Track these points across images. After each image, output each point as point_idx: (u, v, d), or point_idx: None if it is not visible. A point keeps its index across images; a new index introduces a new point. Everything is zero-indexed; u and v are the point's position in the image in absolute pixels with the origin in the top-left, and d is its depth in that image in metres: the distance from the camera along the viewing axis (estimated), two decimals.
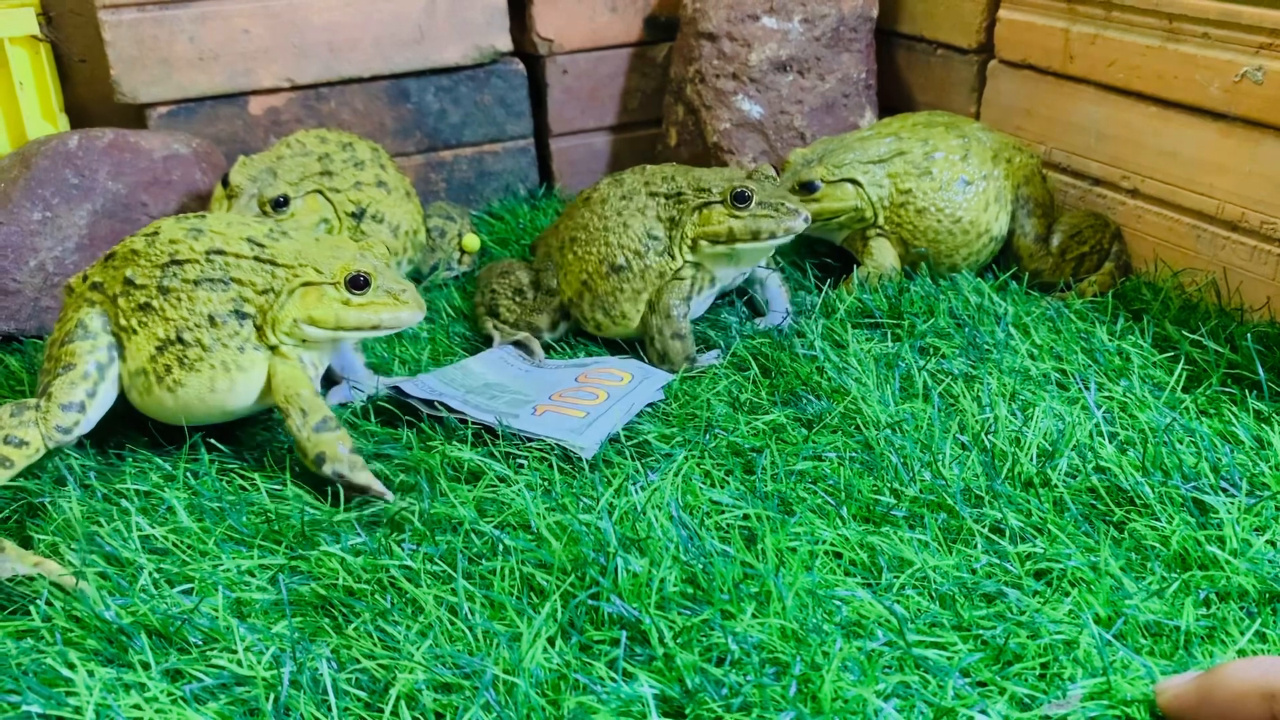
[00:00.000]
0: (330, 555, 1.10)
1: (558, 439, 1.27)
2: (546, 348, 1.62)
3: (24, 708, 0.90)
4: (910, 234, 1.67)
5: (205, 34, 1.88)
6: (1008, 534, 1.10)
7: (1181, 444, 1.21)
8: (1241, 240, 1.51)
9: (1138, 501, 1.13)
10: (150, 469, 1.30)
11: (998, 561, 1.07)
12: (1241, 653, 0.94)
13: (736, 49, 1.99)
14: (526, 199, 2.18)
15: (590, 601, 1.00)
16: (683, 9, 2.07)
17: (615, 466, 1.26)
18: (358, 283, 1.28)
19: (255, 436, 1.38)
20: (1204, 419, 1.27)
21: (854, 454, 1.24)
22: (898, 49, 2.16)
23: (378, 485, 1.23)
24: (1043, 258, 1.67)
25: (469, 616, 1.01)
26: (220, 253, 1.29)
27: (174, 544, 1.14)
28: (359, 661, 0.97)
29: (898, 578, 1.05)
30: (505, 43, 2.08)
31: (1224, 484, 1.15)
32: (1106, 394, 1.33)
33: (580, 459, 1.26)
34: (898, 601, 1.01)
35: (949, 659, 0.93)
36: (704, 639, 0.95)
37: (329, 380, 1.51)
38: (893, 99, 2.16)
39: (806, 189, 1.66)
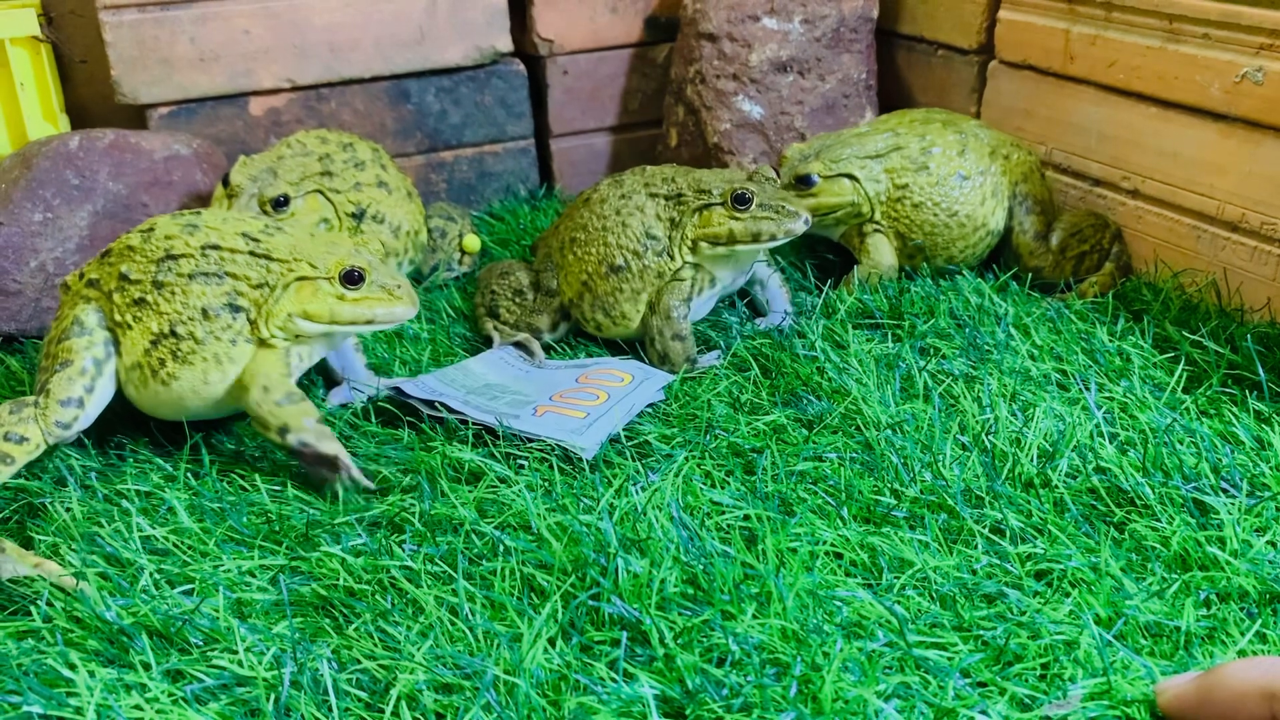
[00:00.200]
0: (331, 556, 1.10)
1: (558, 439, 1.28)
2: (547, 348, 1.62)
3: (25, 708, 0.90)
4: (907, 228, 1.67)
5: (206, 35, 1.88)
6: (1008, 534, 1.10)
7: (1182, 445, 1.21)
8: (1242, 241, 1.51)
9: (1138, 502, 1.13)
10: (151, 469, 1.30)
11: (998, 562, 1.07)
12: (1242, 653, 0.94)
13: (737, 50, 1.99)
14: (527, 200, 2.18)
15: (591, 602, 1.00)
16: (683, 10, 2.07)
17: (616, 467, 1.26)
18: (352, 278, 1.28)
19: (256, 437, 1.38)
20: (1204, 420, 1.27)
21: (854, 454, 1.24)
22: (898, 49, 2.16)
23: (346, 456, 1.24)
24: (1042, 255, 1.67)
25: (470, 617, 1.01)
26: (215, 247, 1.29)
27: (175, 544, 1.14)
28: (360, 662, 0.97)
29: (898, 578, 1.05)
30: (506, 43, 2.08)
31: (1224, 485, 1.15)
32: (1107, 394, 1.33)
33: (581, 459, 1.26)
34: (898, 602, 1.01)
35: (949, 659, 0.93)
36: (704, 639, 0.95)
37: (330, 381, 1.51)
38: (893, 100, 2.16)
39: (803, 183, 1.66)
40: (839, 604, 1.00)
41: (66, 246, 1.65)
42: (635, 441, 1.32)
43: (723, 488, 1.20)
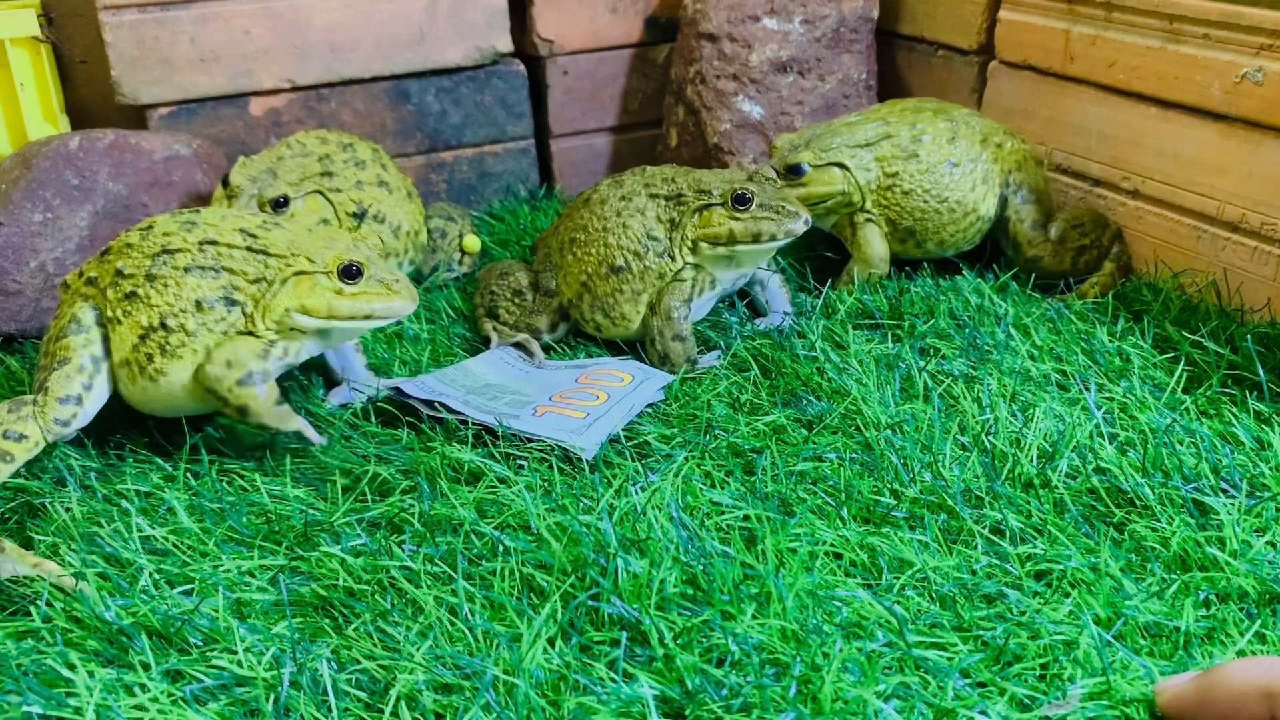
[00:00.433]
0: (330, 556, 1.10)
1: (558, 440, 1.28)
2: (546, 349, 1.62)
3: (24, 708, 0.90)
4: (897, 214, 1.68)
5: (206, 35, 1.88)
6: (1008, 535, 1.10)
7: (1182, 445, 1.21)
8: (1242, 241, 1.51)
9: (1138, 503, 1.13)
10: (151, 470, 1.30)
11: (998, 562, 1.07)
12: (1241, 653, 0.94)
13: (737, 50, 1.99)
14: (527, 200, 2.18)
15: (590, 602, 1.00)
16: (683, 10, 2.08)
17: (615, 467, 1.26)
18: (350, 272, 1.28)
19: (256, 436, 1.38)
20: (1204, 420, 1.27)
21: (854, 455, 1.24)
22: (898, 50, 2.16)
23: (310, 430, 1.30)
24: (1041, 244, 1.67)
25: (469, 617, 1.01)
26: (213, 243, 1.29)
27: (174, 545, 1.14)
28: (359, 662, 0.97)
29: (898, 578, 1.05)
30: (506, 44, 2.08)
31: (1224, 485, 1.15)
32: (1107, 395, 1.33)
33: (580, 460, 1.26)
34: (898, 602, 1.01)
35: (949, 660, 0.93)
36: (704, 640, 0.95)
37: (330, 381, 1.51)
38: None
39: (793, 172, 1.66)
40: (839, 604, 1.00)
41: (66, 247, 1.65)
42: (635, 442, 1.32)
43: (722, 488, 1.20)
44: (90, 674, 0.94)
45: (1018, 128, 1.85)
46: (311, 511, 1.19)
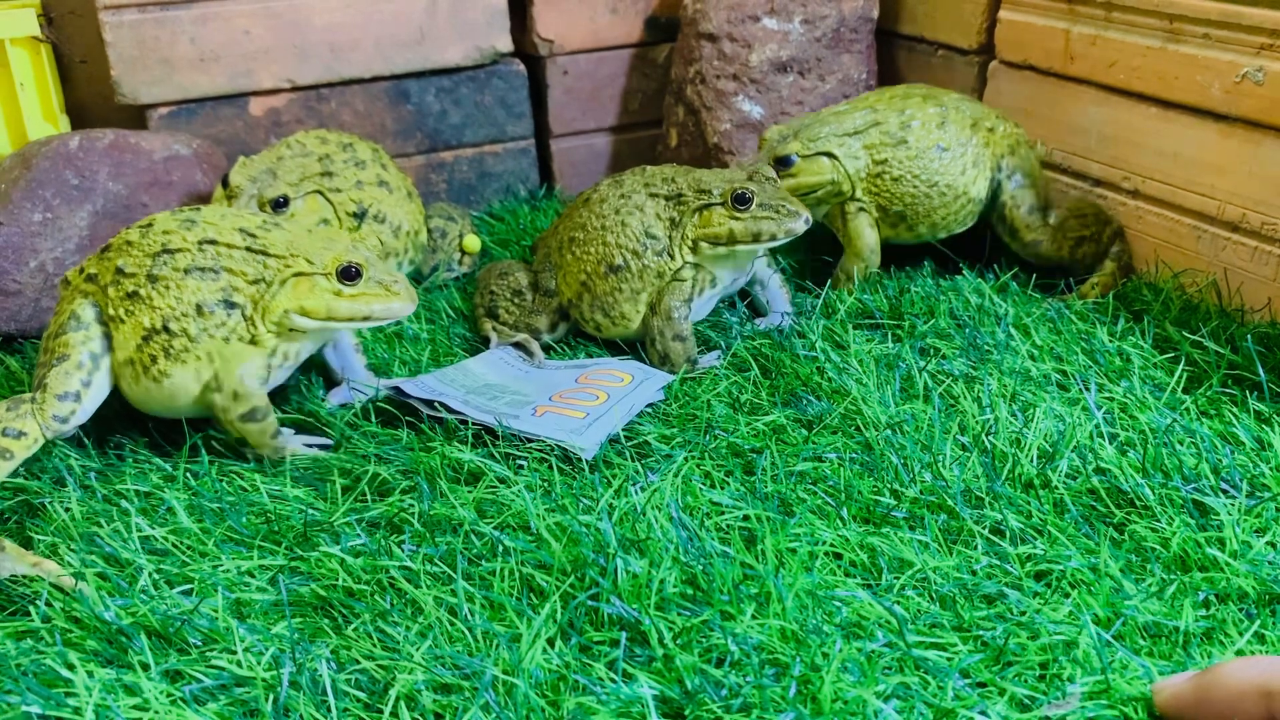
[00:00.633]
0: (330, 556, 1.10)
1: (558, 439, 1.27)
2: (546, 349, 1.62)
3: (24, 708, 0.90)
4: (888, 200, 1.68)
5: (206, 35, 1.88)
6: (1008, 535, 1.10)
7: (1182, 445, 1.21)
8: (1242, 241, 1.51)
9: (1138, 503, 1.13)
10: (150, 469, 1.30)
11: (998, 563, 1.06)
12: (1239, 653, 0.94)
13: (737, 50, 1.99)
14: (527, 200, 2.18)
15: (590, 602, 1.00)
16: (683, 10, 2.07)
17: (615, 467, 1.26)
18: (349, 273, 1.28)
19: None
20: (1204, 420, 1.27)
21: (854, 455, 1.24)
22: (898, 50, 2.16)
23: (303, 448, 1.32)
24: (1040, 228, 1.67)
25: (469, 617, 1.01)
26: (212, 242, 1.29)
27: (174, 545, 1.14)
28: (358, 662, 0.97)
29: (898, 579, 1.05)
30: (506, 43, 2.08)
31: (1224, 485, 1.14)
32: (1107, 395, 1.33)
33: (580, 460, 1.26)
34: (898, 602, 1.01)
35: (949, 660, 0.93)
36: (704, 640, 0.95)
37: (329, 381, 1.51)
38: None
39: (782, 164, 1.66)
40: (838, 604, 1.00)
41: (66, 247, 1.65)
42: (635, 442, 1.31)
43: (722, 488, 1.20)
44: (89, 674, 0.94)
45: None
46: (311, 511, 1.19)
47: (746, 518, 1.13)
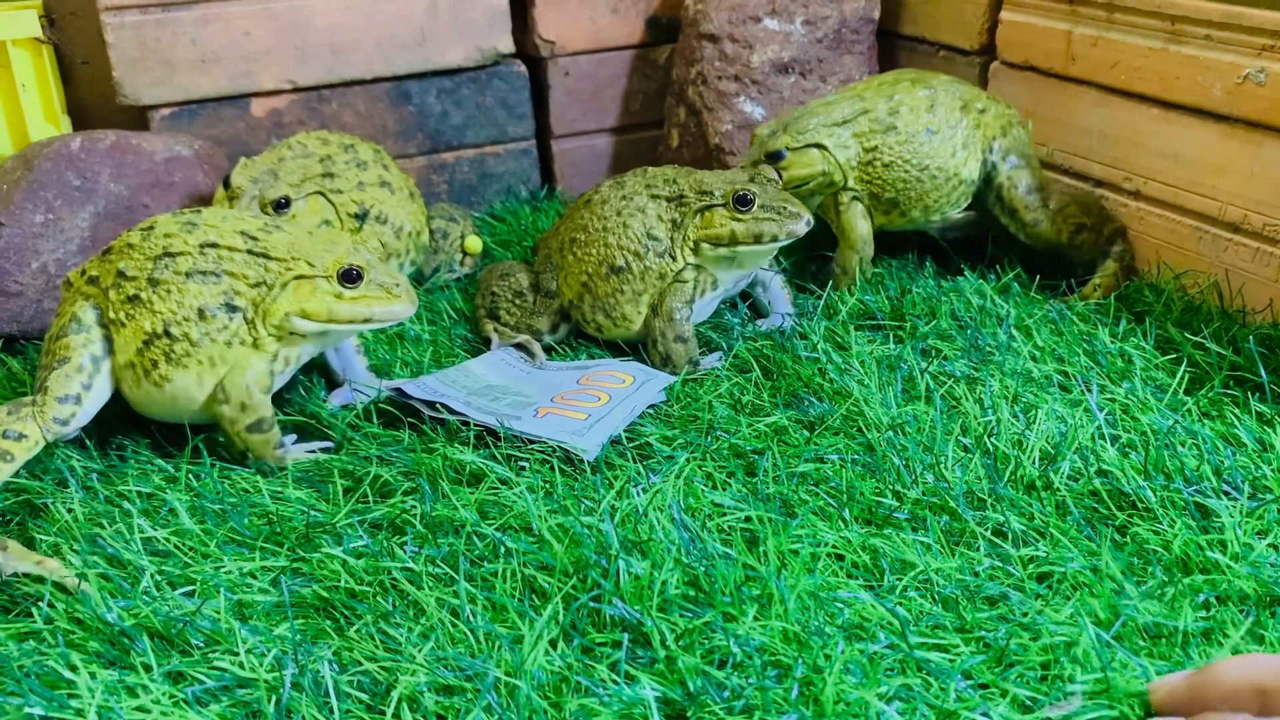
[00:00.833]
0: (332, 557, 1.10)
1: (559, 441, 1.27)
2: (548, 349, 1.62)
3: (26, 710, 0.90)
4: (879, 187, 1.68)
5: (207, 36, 1.88)
6: (1010, 537, 1.10)
7: (1184, 447, 1.21)
8: (1244, 242, 1.51)
9: (1140, 505, 1.13)
10: (152, 471, 1.30)
11: (1000, 564, 1.06)
12: (1235, 651, 0.94)
13: (738, 51, 1.99)
14: (528, 201, 2.18)
15: (592, 604, 1.00)
16: (684, 11, 2.07)
17: (617, 468, 1.26)
18: (350, 276, 1.28)
19: None
20: (1206, 421, 1.27)
21: (856, 456, 1.24)
22: (900, 50, 2.16)
23: (302, 454, 1.32)
24: (1039, 209, 1.67)
25: (471, 619, 1.01)
26: (214, 245, 1.29)
27: (176, 546, 1.14)
28: (361, 664, 0.97)
29: (900, 580, 1.05)
30: (507, 44, 2.08)
31: (1226, 487, 1.14)
32: (1109, 396, 1.33)
33: (582, 461, 1.26)
34: (900, 604, 1.01)
35: (951, 661, 0.93)
36: (706, 641, 0.95)
37: (331, 382, 1.51)
38: None
39: (773, 159, 1.66)
40: (841, 606, 1.00)
41: (68, 248, 1.65)
42: (636, 443, 1.32)
43: (724, 489, 1.20)
44: (92, 675, 0.94)
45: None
46: (313, 513, 1.19)
47: (748, 519, 1.13)
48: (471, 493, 1.20)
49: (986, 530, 1.11)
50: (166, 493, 1.23)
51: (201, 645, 0.99)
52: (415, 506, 1.17)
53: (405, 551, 1.10)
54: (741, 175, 1.55)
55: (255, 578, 1.10)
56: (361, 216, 1.72)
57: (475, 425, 1.33)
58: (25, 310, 1.64)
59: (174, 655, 0.98)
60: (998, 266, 1.72)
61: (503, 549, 1.09)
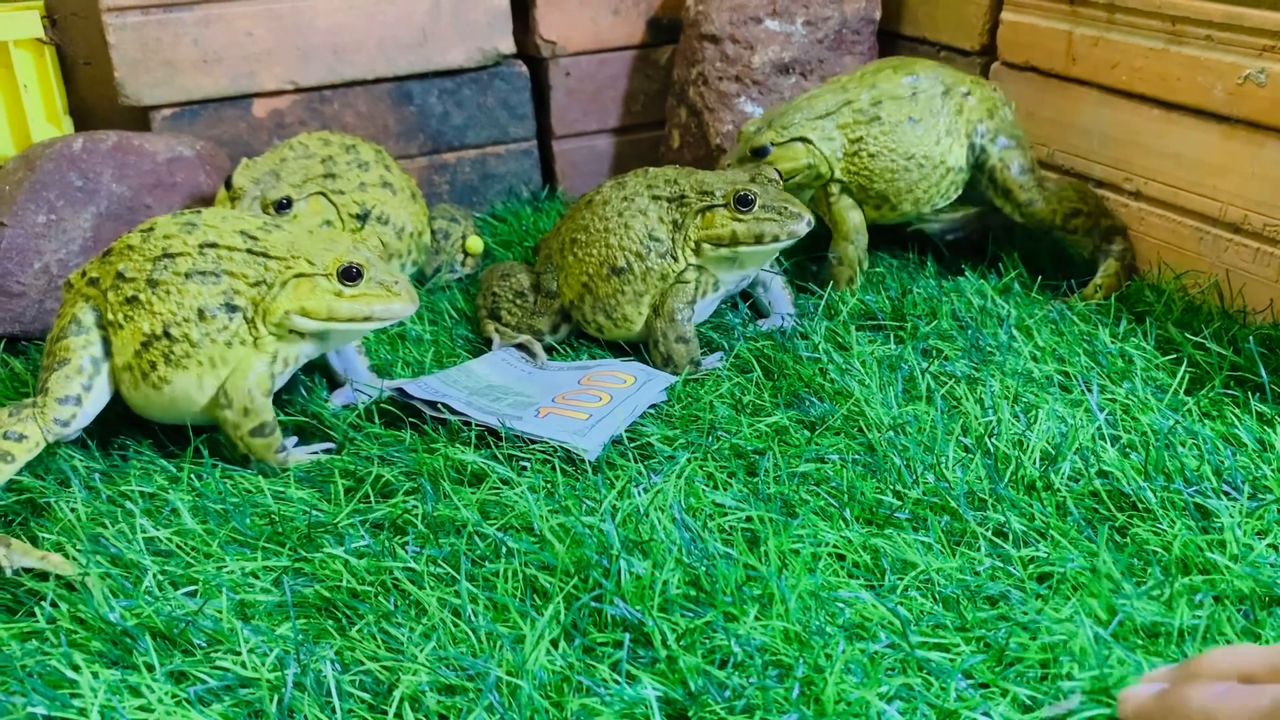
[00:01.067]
0: (334, 557, 1.10)
1: (561, 441, 1.28)
2: (549, 350, 1.62)
3: (29, 709, 0.91)
4: (867, 179, 1.69)
5: (209, 36, 1.88)
6: (1011, 537, 1.11)
7: (1184, 447, 1.21)
8: (1244, 243, 1.51)
9: (1140, 506, 1.13)
10: (155, 471, 1.30)
11: (1001, 565, 1.07)
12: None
13: (739, 51, 1.99)
14: (529, 201, 2.19)
15: (593, 604, 1.00)
16: (685, 11, 2.08)
17: (618, 468, 1.26)
18: (350, 274, 1.29)
19: None
20: (1206, 421, 1.27)
21: (857, 456, 1.24)
22: (900, 51, 2.16)
23: (307, 458, 1.32)
24: (1034, 188, 1.67)
25: (472, 618, 1.01)
26: (213, 245, 1.29)
27: (178, 546, 1.15)
28: (363, 663, 0.97)
29: (901, 580, 1.05)
30: (508, 45, 2.08)
31: (1226, 487, 1.15)
32: (1109, 396, 1.33)
33: (583, 461, 1.26)
34: (901, 604, 1.01)
35: (952, 661, 0.93)
36: (707, 641, 0.96)
37: (333, 382, 1.51)
38: None
39: (758, 154, 1.66)
40: (841, 605, 1.00)
41: (70, 248, 1.66)
42: (638, 443, 1.32)
43: (725, 489, 1.20)
44: (95, 675, 0.94)
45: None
46: (315, 513, 1.20)
47: (749, 519, 1.13)
48: (473, 493, 1.20)
49: (987, 530, 1.11)
50: (169, 493, 1.23)
51: (204, 645, 1.00)
52: (417, 506, 1.18)
53: (407, 551, 1.11)
54: (743, 176, 1.55)
55: (257, 577, 1.10)
56: (363, 217, 1.72)
57: (477, 425, 1.33)
58: (27, 310, 1.64)
59: (176, 655, 0.99)
60: (998, 267, 1.72)
61: (504, 549, 1.09)
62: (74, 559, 1.12)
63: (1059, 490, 1.16)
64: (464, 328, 1.70)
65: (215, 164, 1.83)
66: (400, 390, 1.40)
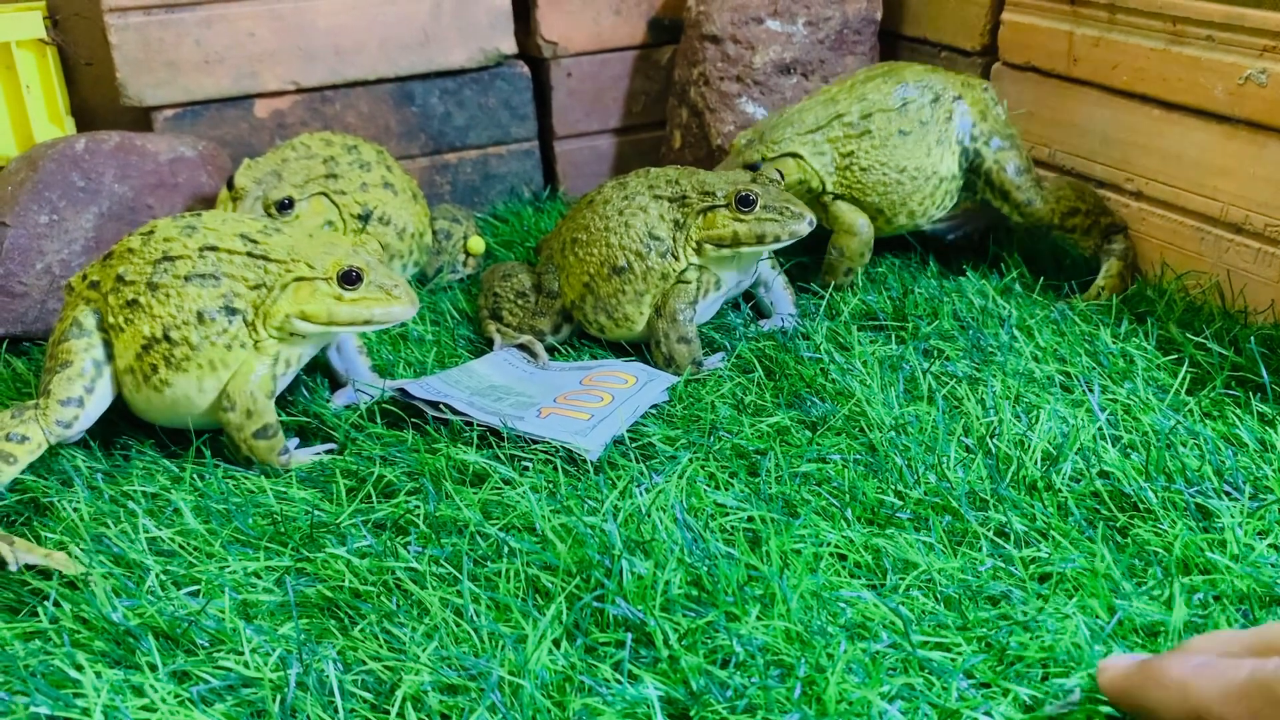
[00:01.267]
0: (336, 557, 1.11)
1: (562, 441, 1.28)
2: (551, 350, 1.62)
3: (32, 709, 0.91)
4: (860, 192, 1.68)
5: (211, 37, 1.88)
6: (1012, 538, 1.11)
7: (1185, 447, 1.21)
8: (1246, 243, 1.51)
9: (1141, 506, 1.14)
10: (157, 470, 1.30)
11: (1002, 565, 1.07)
12: None
13: (740, 52, 1.99)
14: (531, 202, 2.19)
15: (595, 604, 1.00)
16: (687, 12, 2.08)
17: (620, 469, 1.26)
18: (350, 278, 1.29)
19: None
20: (1208, 422, 1.28)
21: (858, 456, 1.24)
22: (902, 51, 2.16)
23: (309, 459, 1.33)
24: (1031, 188, 1.67)
25: (474, 618, 1.01)
26: (213, 249, 1.30)
27: (181, 546, 1.15)
28: (365, 663, 0.97)
29: (902, 580, 1.05)
30: (510, 45, 2.08)
31: (1227, 488, 1.15)
32: (1110, 397, 1.34)
33: (585, 461, 1.26)
34: (902, 603, 1.01)
35: (953, 661, 0.93)
36: (709, 641, 0.96)
37: (334, 383, 1.51)
38: None
39: (750, 170, 1.66)
40: (843, 605, 1.00)
41: (72, 249, 1.66)
42: (639, 443, 1.32)
43: (727, 489, 1.20)
44: (97, 675, 0.94)
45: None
46: (317, 513, 1.20)
47: (751, 519, 1.14)
48: (475, 493, 1.20)
49: (989, 530, 1.12)
50: (171, 493, 1.24)
51: (206, 645, 1.00)
52: (419, 506, 1.18)
53: (409, 551, 1.11)
54: (744, 176, 1.55)
55: (260, 577, 1.10)
56: (365, 217, 1.72)
57: (478, 425, 1.33)
58: (30, 311, 1.64)
59: (179, 654, 0.99)
60: (1000, 267, 1.72)
61: (506, 549, 1.09)
62: (77, 558, 1.12)
63: (1060, 490, 1.16)
64: (466, 328, 1.70)
65: (217, 164, 1.83)
66: (402, 390, 1.40)
